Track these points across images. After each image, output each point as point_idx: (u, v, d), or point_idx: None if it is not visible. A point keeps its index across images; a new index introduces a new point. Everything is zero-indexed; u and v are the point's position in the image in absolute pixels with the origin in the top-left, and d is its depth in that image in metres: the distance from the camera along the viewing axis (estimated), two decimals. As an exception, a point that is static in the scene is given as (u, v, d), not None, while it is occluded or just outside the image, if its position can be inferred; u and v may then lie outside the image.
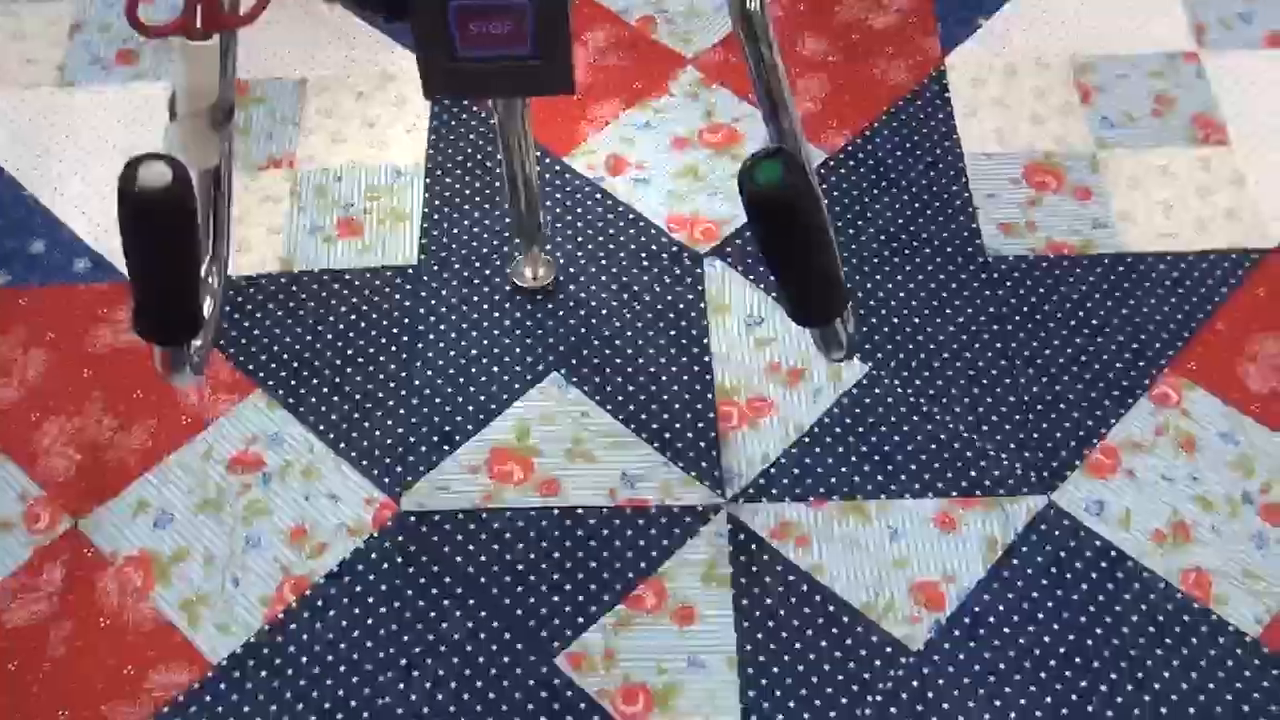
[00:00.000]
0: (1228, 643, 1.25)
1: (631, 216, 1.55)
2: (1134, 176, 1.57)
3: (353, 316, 1.47)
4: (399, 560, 1.31)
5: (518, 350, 1.44)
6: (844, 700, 1.22)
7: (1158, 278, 1.49)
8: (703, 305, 1.48)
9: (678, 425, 1.39)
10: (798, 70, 1.68)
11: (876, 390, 1.41)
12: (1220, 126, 1.62)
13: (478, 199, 1.56)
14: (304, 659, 1.25)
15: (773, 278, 0.99)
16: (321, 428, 1.39)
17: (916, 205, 1.55)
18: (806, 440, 1.38)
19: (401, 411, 1.40)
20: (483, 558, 1.31)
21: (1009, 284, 1.48)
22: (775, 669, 1.24)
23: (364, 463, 1.37)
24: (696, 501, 1.34)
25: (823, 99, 1.65)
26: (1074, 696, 1.22)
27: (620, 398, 1.41)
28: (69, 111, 1.66)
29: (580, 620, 1.27)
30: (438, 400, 1.41)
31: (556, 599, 1.28)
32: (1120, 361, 1.43)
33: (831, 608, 1.27)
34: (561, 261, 1.51)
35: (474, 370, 1.43)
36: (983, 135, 1.61)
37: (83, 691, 1.23)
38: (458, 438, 1.38)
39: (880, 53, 1.70)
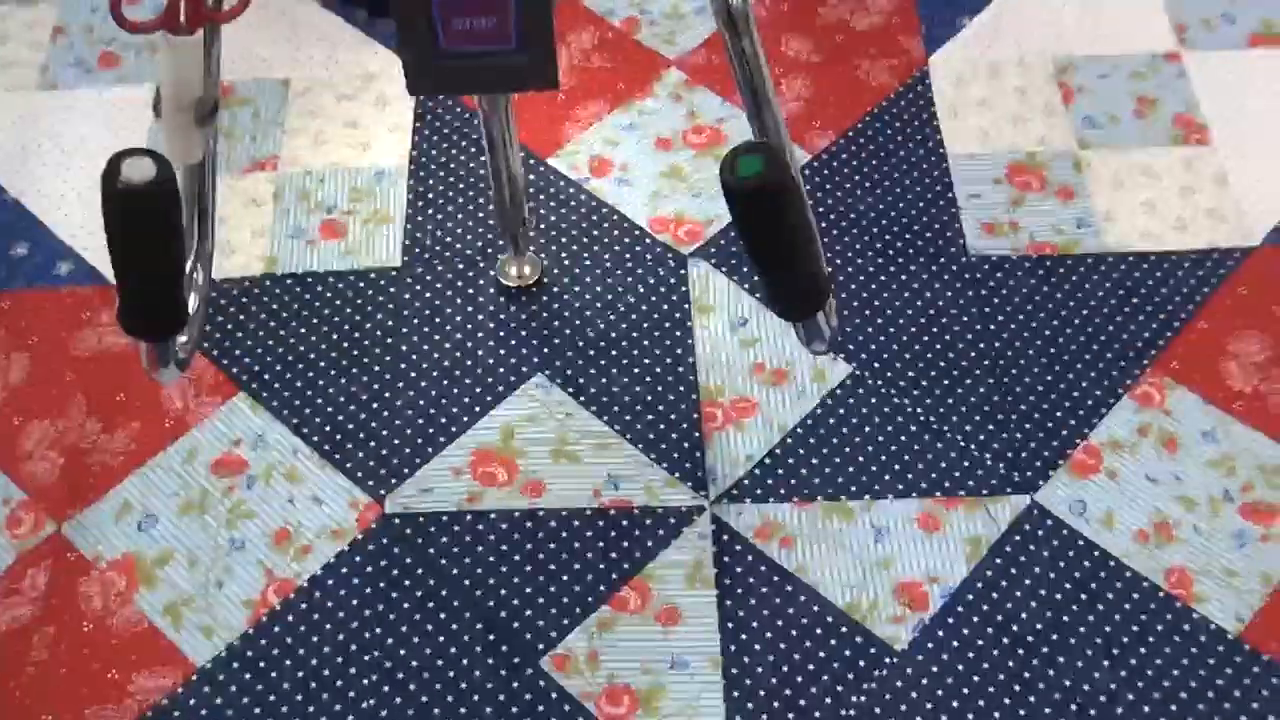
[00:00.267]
0: (1209, 641, 1.25)
1: (615, 218, 1.55)
2: (1116, 176, 1.58)
3: (336, 319, 1.47)
4: (383, 563, 1.31)
5: (502, 352, 1.44)
6: (828, 700, 1.22)
7: (1140, 277, 1.49)
8: (687, 306, 1.48)
9: (662, 426, 1.39)
10: (781, 71, 1.68)
11: (860, 390, 1.41)
12: (1202, 126, 1.62)
13: (461, 200, 1.56)
14: (288, 662, 1.25)
15: (755, 271, 0.99)
16: (305, 430, 1.39)
17: (900, 205, 1.55)
18: (790, 441, 1.38)
19: (386, 414, 1.40)
20: (467, 560, 1.31)
21: (992, 284, 1.49)
22: (759, 669, 1.24)
23: (348, 465, 1.37)
24: (680, 502, 1.34)
25: (806, 100, 1.65)
26: (1057, 695, 1.22)
27: (604, 399, 1.41)
28: (51, 114, 1.66)
29: (564, 622, 1.27)
30: (422, 402, 1.41)
31: (540, 601, 1.28)
32: (1103, 361, 1.43)
33: (815, 608, 1.27)
34: (546, 263, 1.51)
35: (458, 372, 1.43)
36: (966, 135, 1.62)
37: (66, 696, 1.23)
38: (442, 440, 1.38)
39: (863, 53, 1.70)
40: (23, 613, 1.28)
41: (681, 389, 1.41)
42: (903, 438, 1.38)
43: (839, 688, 1.23)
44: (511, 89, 1.00)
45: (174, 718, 1.22)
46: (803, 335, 1.08)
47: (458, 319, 1.47)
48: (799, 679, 1.24)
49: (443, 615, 1.28)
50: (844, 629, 1.26)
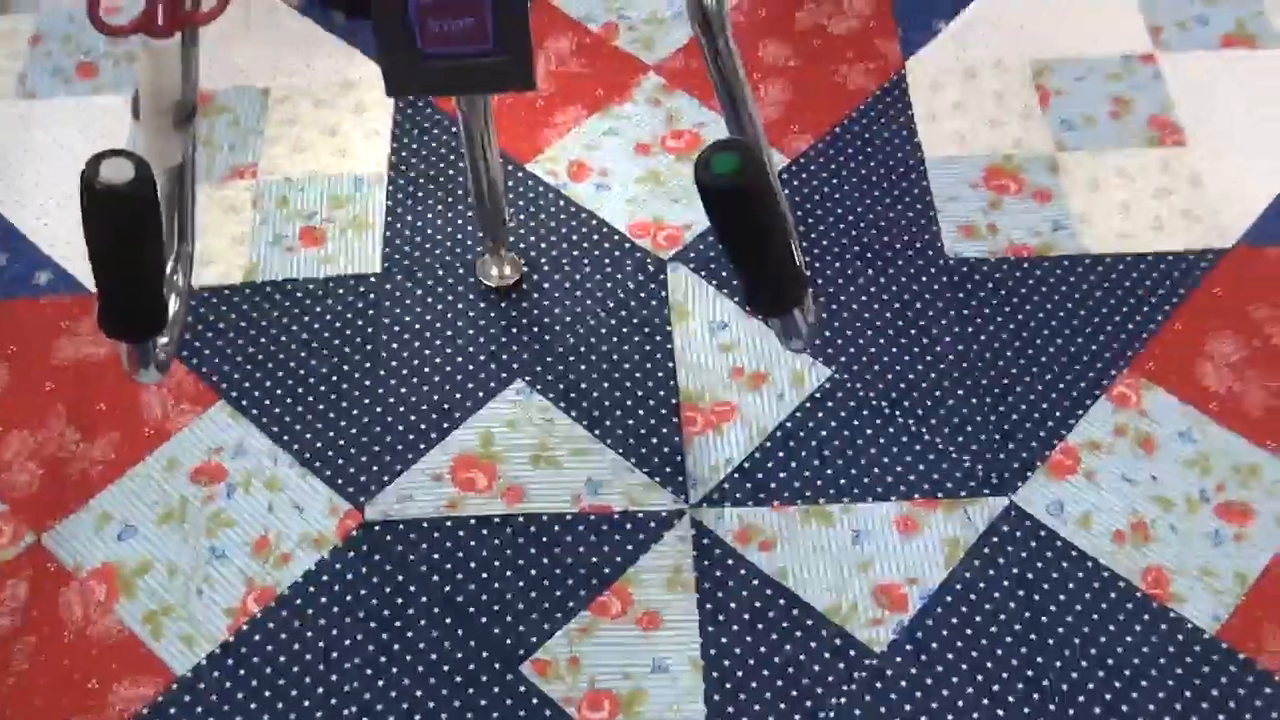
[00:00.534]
0: (1187, 640, 1.26)
1: (594, 223, 1.55)
2: (1093, 178, 1.59)
3: (316, 326, 1.47)
4: (364, 570, 1.31)
5: (481, 358, 1.45)
6: (808, 703, 1.23)
7: (1117, 279, 1.50)
8: (666, 311, 1.48)
9: (642, 431, 1.39)
10: (759, 75, 1.69)
11: (839, 394, 1.42)
12: (1177, 128, 1.63)
13: (440, 206, 1.57)
14: (269, 669, 1.25)
15: (732, 269, 1.00)
16: (285, 438, 1.39)
17: (878, 209, 1.56)
18: (769, 444, 1.38)
19: (365, 420, 1.40)
20: (447, 566, 1.31)
21: (970, 286, 1.49)
22: (740, 672, 1.24)
23: (328, 472, 1.37)
24: (660, 507, 1.34)
25: (784, 104, 1.66)
26: (1036, 696, 1.23)
27: (584, 404, 1.41)
28: (30, 123, 1.66)
29: (545, 627, 1.27)
30: (401, 409, 1.41)
31: (521, 606, 1.28)
32: (1080, 362, 1.44)
33: (795, 611, 1.28)
34: (525, 269, 1.51)
35: (438, 378, 1.43)
36: (943, 139, 1.62)
37: (47, 706, 1.23)
38: (422, 446, 1.39)
39: (841, 57, 1.71)
40: (3, 623, 1.28)
41: (661, 393, 1.42)
42: (881, 440, 1.38)
43: (819, 690, 1.23)
44: (489, 90, 1.01)
45: (155, 727, 1.22)
46: (780, 332, 1.08)
47: (437, 325, 1.47)
48: (779, 682, 1.24)
49: (423, 622, 1.28)
50: (824, 631, 1.27)
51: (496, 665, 1.25)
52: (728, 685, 1.24)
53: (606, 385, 1.43)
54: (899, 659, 1.25)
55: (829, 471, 1.36)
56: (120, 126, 1.63)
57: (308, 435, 1.39)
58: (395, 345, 1.46)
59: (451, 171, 1.60)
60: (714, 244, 1.52)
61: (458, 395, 1.42)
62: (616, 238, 1.54)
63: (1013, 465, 1.37)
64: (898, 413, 1.40)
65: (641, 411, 1.41)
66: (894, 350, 1.45)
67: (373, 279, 1.51)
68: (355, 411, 1.41)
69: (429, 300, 1.49)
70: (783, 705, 1.23)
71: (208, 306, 1.48)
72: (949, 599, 1.28)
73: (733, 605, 1.28)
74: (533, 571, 1.30)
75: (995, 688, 1.23)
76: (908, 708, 1.22)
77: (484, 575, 1.30)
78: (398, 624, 1.28)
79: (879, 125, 1.64)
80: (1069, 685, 1.23)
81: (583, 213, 1.56)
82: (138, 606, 1.29)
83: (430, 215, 1.56)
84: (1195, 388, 1.42)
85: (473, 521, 1.34)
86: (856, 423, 1.40)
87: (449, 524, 1.33)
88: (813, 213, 1.56)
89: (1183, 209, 1.56)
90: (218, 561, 1.32)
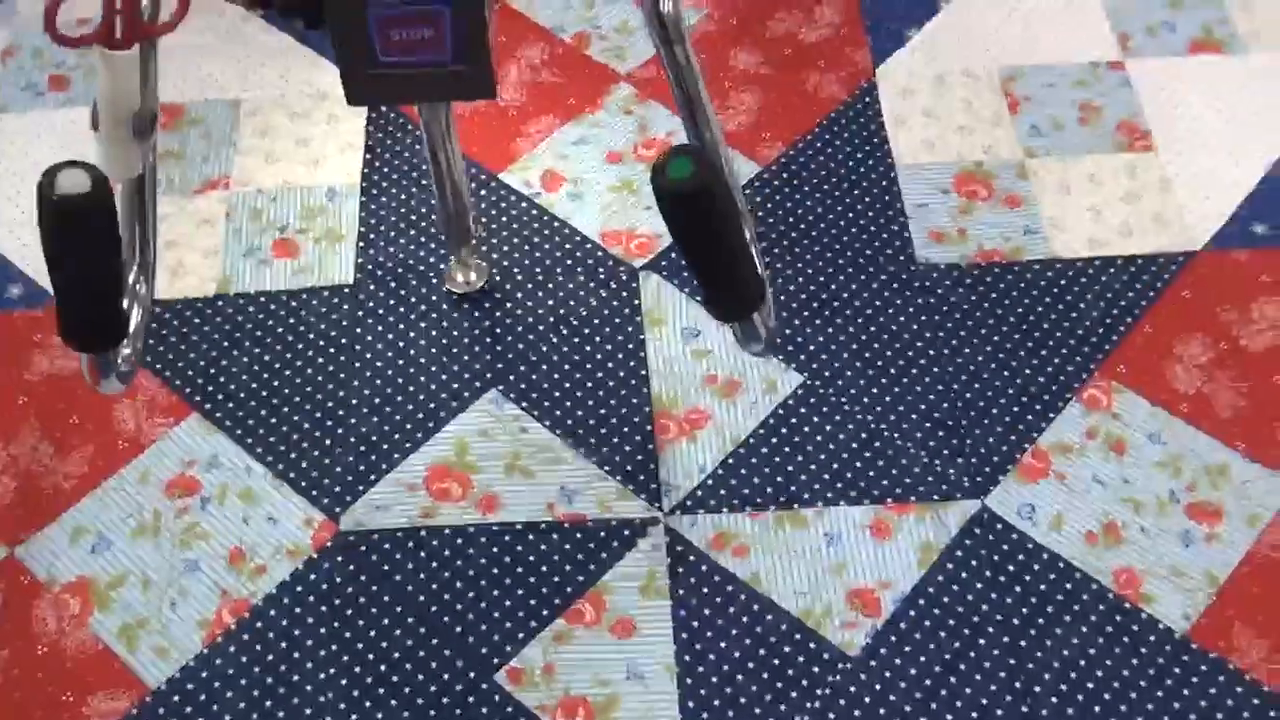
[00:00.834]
0: (1158, 640, 1.27)
1: (567, 231, 1.56)
2: (1062, 183, 1.60)
3: (290, 338, 1.47)
4: (338, 580, 1.31)
5: (455, 367, 1.45)
6: (782, 707, 1.23)
7: (1087, 283, 1.51)
8: (639, 319, 1.49)
9: (615, 439, 1.40)
10: (730, 84, 1.70)
11: (811, 399, 1.42)
12: (1145, 133, 1.64)
13: (414, 216, 1.57)
14: (243, 681, 1.25)
15: (690, 274, 1.00)
16: (259, 450, 1.39)
17: (849, 215, 1.57)
18: (743, 451, 1.39)
19: (340, 431, 1.41)
20: (422, 575, 1.31)
21: (940, 291, 1.50)
22: (714, 678, 1.25)
23: (302, 484, 1.37)
24: (634, 514, 1.35)
25: (755, 112, 1.67)
26: (1008, 698, 1.23)
27: (558, 413, 1.42)
28: (1, 137, 1.65)
29: (520, 636, 1.27)
30: (376, 419, 1.41)
31: (496, 615, 1.29)
32: (1051, 366, 1.45)
33: (769, 616, 1.28)
34: (498, 278, 1.52)
35: (412, 388, 1.43)
36: (913, 145, 1.63)
37: (20, 720, 1.23)
38: (396, 456, 1.39)
39: (812, 66, 1.72)
40: (-24, 638, 1.27)
41: (634, 401, 1.42)
42: (854, 445, 1.39)
43: (793, 694, 1.24)
44: (449, 98, 1.01)
45: (129, 740, 1.22)
46: (740, 337, 1.09)
47: (411, 336, 1.47)
48: (753, 687, 1.24)
49: (398, 631, 1.28)
50: (797, 636, 1.27)
51: (471, 674, 1.25)
52: (702, 691, 1.24)
53: (580, 394, 1.43)
54: (872, 663, 1.26)
55: (802, 477, 1.37)
56: (93, 139, 1.63)
57: (282, 447, 1.39)
58: (369, 356, 1.46)
59: (425, 181, 1.60)
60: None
61: (432, 405, 1.42)
62: (589, 246, 1.55)
63: (984, 469, 1.37)
64: (870, 418, 1.41)
65: (615, 419, 1.41)
66: (866, 355, 1.45)
67: (346, 290, 1.51)
68: (329, 422, 1.41)
69: (402, 310, 1.49)
70: (757, 710, 1.23)
71: (181, 319, 1.49)
72: (922, 602, 1.29)
73: (706, 611, 1.29)
74: (507, 580, 1.31)
75: (968, 690, 1.24)
76: (881, 711, 1.23)
77: (458, 584, 1.30)
78: (373, 634, 1.28)
79: (850, 133, 1.65)
80: (1041, 687, 1.24)
81: (555, 222, 1.57)
82: (112, 619, 1.29)
83: (404, 226, 1.56)
84: (1165, 390, 1.43)
85: (447, 531, 1.34)
86: (829, 428, 1.40)
87: (423, 534, 1.34)
88: (784, 220, 1.56)
89: (1151, 213, 1.57)
90: (192, 574, 1.31)
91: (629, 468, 1.38)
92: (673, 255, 1.53)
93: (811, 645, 1.27)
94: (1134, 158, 1.62)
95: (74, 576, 1.31)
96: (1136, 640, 1.27)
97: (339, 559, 1.32)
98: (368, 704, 1.23)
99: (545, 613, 1.29)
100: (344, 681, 1.25)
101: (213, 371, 1.45)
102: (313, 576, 1.31)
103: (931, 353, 1.46)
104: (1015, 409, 1.41)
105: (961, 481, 1.36)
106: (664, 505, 1.35)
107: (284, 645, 1.27)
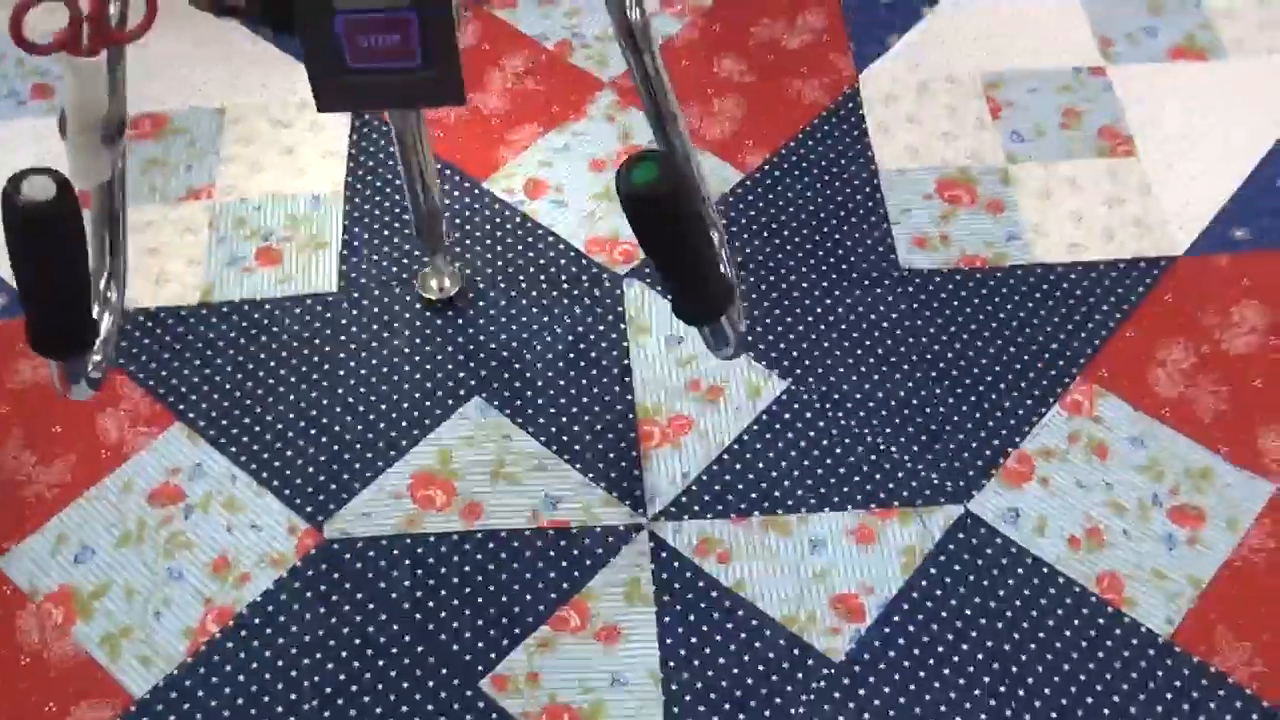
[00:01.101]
0: (1141, 643, 1.27)
1: (550, 239, 1.56)
2: (1044, 189, 1.60)
3: (273, 346, 1.47)
4: (322, 588, 1.31)
5: (439, 375, 1.45)
6: (767, 713, 1.23)
7: (1069, 287, 1.52)
8: (623, 326, 1.49)
9: (600, 446, 1.40)
10: (714, 91, 1.70)
11: (795, 405, 1.43)
12: (1127, 138, 1.65)
13: (397, 225, 1.57)
14: (227, 690, 1.25)
15: (658, 278, 1.01)
16: (243, 458, 1.39)
17: (833, 222, 1.57)
18: (726, 457, 1.39)
19: (324, 439, 1.40)
20: (406, 583, 1.31)
21: (924, 297, 1.51)
22: (699, 684, 1.25)
23: (286, 492, 1.37)
24: (618, 521, 1.35)
25: (739, 119, 1.67)
26: (992, 702, 1.24)
27: (542, 420, 1.42)
28: (-16, 146, 1.65)
29: (504, 643, 1.27)
30: (360, 427, 1.41)
31: (480, 622, 1.29)
32: (1033, 371, 1.45)
33: (754, 622, 1.29)
34: (481, 286, 1.52)
35: (396, 396, 1.43)
36: (896, 151, 1.64)
37: (3, 731, 1.23)
38: (380, 464, 1.39)
39: (795, 72, 1.72)
40: (-42, 648, 1.27)
41: (618, 408, 1.42)
42: (837, 451, 1.39)
43: (778, 700, 1.24)
44: (419, 104, 1.01)
45: (113, 750, 1.22)
46: (709, 340, 1.09)
47: (395, 343, 1.47)
48: (738, 693, 1.24)
49: (382, 639, 1.28)
50: (782, 641, 1.27)
51: (456, 681, 1.25)
52: (687, 698, 1.24)
53: (564, 401, 1.43)
54: (857, 668, 1.26)
55: (786, 483, 1.37)
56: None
57: (265, 455, 1.39)
58: (353, 364, 1.46)
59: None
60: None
61: (415, 413, 1.42)
62: (573, 254, 1.55)
63: (968, 473, 1.38)
64: (853, 423, 1.41)
65: (599, 426, 1.41)
66: (849, 361, 1.46)
67: (330, 298, 1.51)
68: (313, 430, 1.41)
69: (386, 318, 1.49)
70: (741, 716, 1.23)
71: (164, 327, 1.48)
72: (906, 607, 1.29)
73: (691, 618, 1.29)
74: (491, 587, 1.31)
75: (952, 695, 1.24)
76: (866, 716, 1.23)
77: (442, 592, 1.30)
78: (357, 641, 1.28)
79: (833, 139, 1.65)
80: (1025, 691, 1.24)
81: (539, 229, 1.57)
82: (95, 629, 1.29)
83: (387, 234, 1.56)
84: (1147, 394, 1.43)
85: (431, 539, 1.34)
86: (812, 434, 1.41)
87: (408, 541, 1.34)
88: (768, 226, 1.57)
89: (1133, 218, 1.58)
90: (176, 583, 1.31)
91: (613, 474, 1.38)
92: (656, 262, 1.53)
93: (796, 651, 1.27)
94: (1115, 163, 1.63)
95: (57, 586, 1.31)
96: (1119, 644, 1.27)
97: (323, 567, 1.32)
98: (352, 712, 1.23)
99: (530, 620, 1.29)
100: (328, 690, 1.25)
101: (196, 380, 1.44)
102: (297, 585, 1.31)
103: (915, 358, 1.46)
104: (998, 414, 1.42)
105: (945, 486, 1.37)
106: (648, 512, 1.35)
107: (268, 654, 1.27)
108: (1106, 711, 1.23)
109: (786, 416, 1.42)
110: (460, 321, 1.49)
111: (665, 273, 0.99)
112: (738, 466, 1.38)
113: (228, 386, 1.44)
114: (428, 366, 1.46)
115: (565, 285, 1.52)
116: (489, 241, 1.56)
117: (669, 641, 1.27)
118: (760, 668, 1.26)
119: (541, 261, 1.54)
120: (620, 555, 1.33)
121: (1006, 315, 1.49)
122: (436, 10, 0.90)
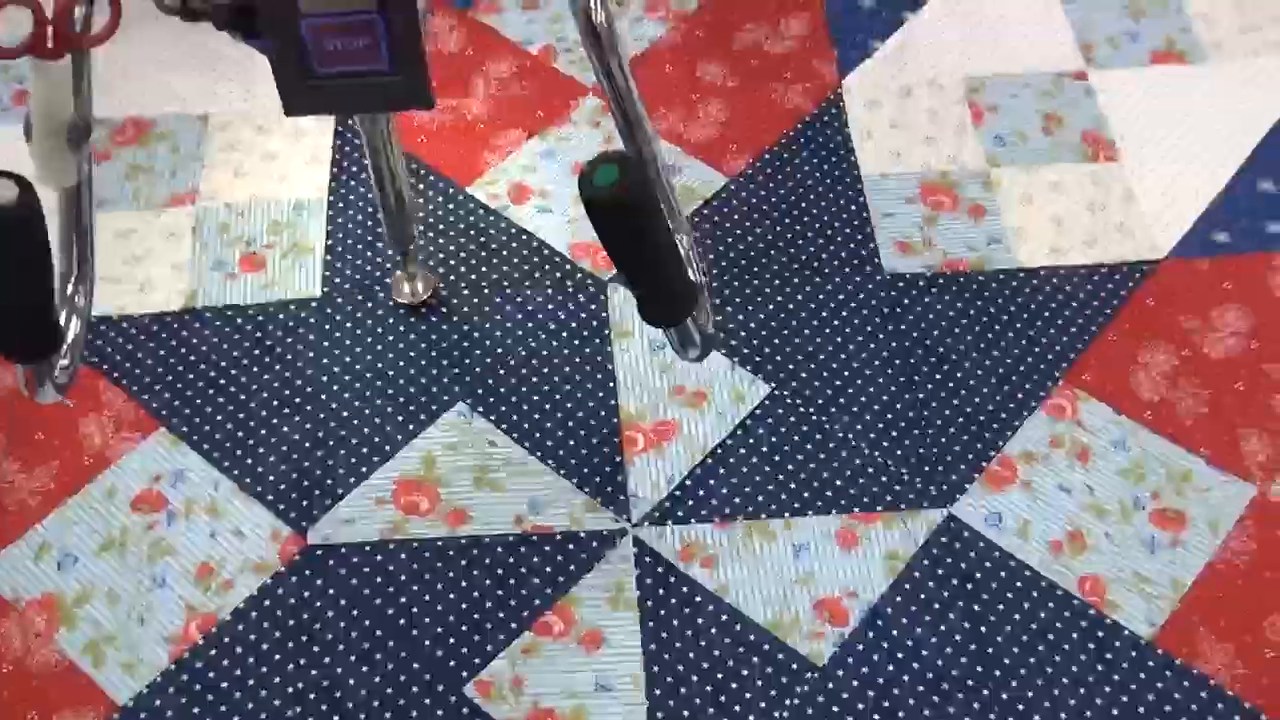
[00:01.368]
0: (1123, 646, 1.27)
1: (535, 244, 1.56)
2: (1026, 193, 1.61)
3: (257, 351, 1.47)
4: (306, 594, 1.31)
5: (423, 380, 1.45)
6: (751, 717, 1.23)
7: (1051, 291, 1.52)
8: (607, 331, 1.49)
9: (583, 451, 1.40)
10: (698, 96, 1.70)
11: (779, 410, 1.43)
12: (1109, 143, 1.66)
13: (381, 230, 1.57)
14: (210, 697, 1.25)
15: (623, 281, 1.01)
16: (226, 464, 1.39)
17: (816, 226, 1.58)
18: (710, 461, 1.39)
19: (307, 445, 1.40)
20: (390, 589, 1.31)
21: (907, 301, 1.51)
22: (683, 689, 1.25)
23: (269, 498, 1.37)
24: (602, 526, 1.35)
25: (722, 123, 1.67)
26: (976, 706, 1.24)
27: (526, 425, 1.42)
28: (-34, 152, 1.65)
29: (488, 649, 1.27)
30: (344, 433, 1.41)
31: (464, 628, 1.29)
32: (1016, 375, 1.46)
33: (737, 626, 1.29)
34: (466, 291, 1.52)
35: (379, 401, 1.43)
36: (879, 156, 1.64)
37: (-15, 739, 1.22)
38: (364, 470, 1.39)
39: (778, 77, 1.73)
40: (-60, 656, 1.27)
41: (602, 413, 1.43)
42: (821, 455, 1.40)
43: (762, 704, 1.24)
44: (387, 109, 1.01)
45: (96, 757, 1.22)
46: (675, 342, 1.09)
47: (378, 349, 1.47)
48: (722, 698, 1.25)
49: (366, 645, 1.28)
50: (766, 646, 1.28)
51: (440, 687, 1.25)
52: (670, 703, 1.24)
53: (548, 406, 1.43)
54: (840, 672, 1.26)
55: (769, 487, 1.37)
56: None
57: (249, 460, 1.39)
58: (336, 369, 1.46)
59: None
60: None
61: (399, 418, 1.42)
62: (558, 259, 1.55)
63: (951, 477, 1.38)
64: (837, 427, 1.42)
65: (583, 431, 1.41)
66: (833, 366, 1.46)
67: (313, 303, 1.51)
68: (297, 436, 1.41)
69: (370, 324, 1.49)
70: (726, 721, 1.23)
71: (148, 333, 1.48)
72: (889, 611, 1.30)
73: (675, 623, 1.29)
74: (475, 593, 1.31)
75: (935, 699, 1.24)
76: (849, 719, 1.23)
77: (426, 598, 1.30)
78: (341, 647, 1.27)
79: (816, 144, 1.66)
80: (1009, 695, 1.25)
81: (523, 234, 1.57)
82: (78, 636, 1.28)
83: (371, 239, 1.56)
84: (1129, 397, 1.44)
85: (415, 544, 1.34)
86: (796, 438, 1.41)
87: (391, 547, 1.34)
88: (751, 230, 1.57)
89: (1115, 222, 1.58)
90: (159, 589, 1.31)
91: (597, 480, 1.38)
92: (640, 267, 1.54)
93: (779, 655, 1.27)
94: (1097, 167, 1.64)
95: (40, 593, 1.31)
96: (1102, 647, 1.27)
97: (306, 573, 1.32)
98: (336, 718, 1.23)
99: (514, 625, 1.29)
100: (312, 696, 1.25)
101: (180, 386, 1.44)
102: (280, 591, 1.31)
103: (898, 362, 1.46)
104: (981, 418, 1.42)
105: (928, 490, 1.37)
106: (632, 517, 1.36)
107: (252, 660, 1.27)
108: (1089, 714, 1.23)
109: (770, 421, 1.42)
110: (444, 327, 1.49)
111: (628, 274, 0.99)
112: (721, 471, 1.39)
113: (211, 392, 1.44)
114: (412, 372, 1.46)
115: (549, 290, 1.52)
116: (473, 247, 1.56)
117: (653, 647, 1.27)
118: (744, 672, 1.26)
119: (526, 266, 1.54)
120: (604, 560, 1.33)
121: (989, 319, 1.50)
122: (403, 13, 0.89)
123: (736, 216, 1.59)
